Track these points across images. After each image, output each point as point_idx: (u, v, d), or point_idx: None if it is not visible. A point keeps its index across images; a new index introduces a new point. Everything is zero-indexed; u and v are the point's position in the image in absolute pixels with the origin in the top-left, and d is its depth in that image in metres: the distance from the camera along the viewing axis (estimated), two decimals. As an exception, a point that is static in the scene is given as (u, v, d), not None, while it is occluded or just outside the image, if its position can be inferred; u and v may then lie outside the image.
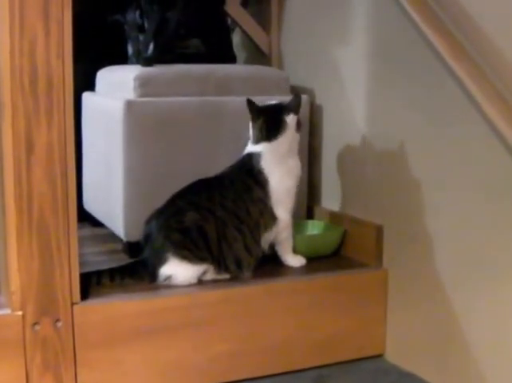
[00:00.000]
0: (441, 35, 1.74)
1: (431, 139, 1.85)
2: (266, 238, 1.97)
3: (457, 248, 1.78)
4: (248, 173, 1.97)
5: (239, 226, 1.91)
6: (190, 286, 1.85)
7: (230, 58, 2.42)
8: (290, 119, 1.97)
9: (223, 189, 1.94)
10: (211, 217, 1.88)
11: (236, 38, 2.61)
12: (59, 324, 1.64)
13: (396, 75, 1.95)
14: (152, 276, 1.85)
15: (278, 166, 1.97)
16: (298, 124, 2.00)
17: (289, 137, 1.98)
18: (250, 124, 2.00)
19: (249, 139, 2.01)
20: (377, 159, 2.04)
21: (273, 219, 1.97)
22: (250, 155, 1.98)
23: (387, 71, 2.00)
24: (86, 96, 2.42)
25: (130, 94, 2.09)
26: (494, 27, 1.65)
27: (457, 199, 1.77)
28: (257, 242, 1.95)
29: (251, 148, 2.00)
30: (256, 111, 1.97)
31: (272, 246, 2.03)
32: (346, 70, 2.16)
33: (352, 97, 2.14)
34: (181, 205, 1.90)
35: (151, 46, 2.19)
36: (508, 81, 1.62)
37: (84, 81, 2.38)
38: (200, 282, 1.87)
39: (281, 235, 2.01)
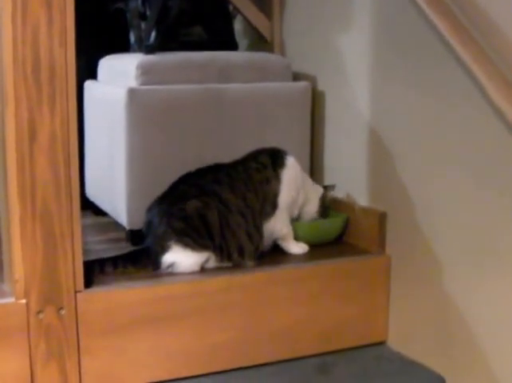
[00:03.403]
0: (445, 19, 1.74)
1: (434, 124, 1.84)
2: (266, 230, 1.97)
3: (460, 235, 1.78)
4: (269, 154, 2.03)
5: (244, 210, 1.91)
6: (193, 273, 1.86)
7: (232, 45, 2.42)
8: None
9: (233, 171, 1.96)
10: (215, 202, 1.88)
11: (238, 25, 2.61)
12: (62, 312, 1.64)
13: (400, 60, 1.95)
14: (155, 264, 1.85)
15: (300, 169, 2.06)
16: None
17: None
18: None
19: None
20: (380, 145, 2.03)
21: (273, 207, 1.98)
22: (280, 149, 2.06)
23: (390, 56, 1.99)
24: (88, 85, 2.42)
25: (132, 82, 2.08)
26: (499, 10, 1.64)
27: (460, 184, 1.77)
28: (259, 230, 1.95)
29: None
30: None
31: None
32: (349, 56, 2.15)
33: (355, 83, 2.13)
34: (183, 190, 1.91)
35: (153, 34, 2.18)
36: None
37: (87, 70, 2.38)
38: (203, 270, 1.87)
39: (281, 233, 2.02)
